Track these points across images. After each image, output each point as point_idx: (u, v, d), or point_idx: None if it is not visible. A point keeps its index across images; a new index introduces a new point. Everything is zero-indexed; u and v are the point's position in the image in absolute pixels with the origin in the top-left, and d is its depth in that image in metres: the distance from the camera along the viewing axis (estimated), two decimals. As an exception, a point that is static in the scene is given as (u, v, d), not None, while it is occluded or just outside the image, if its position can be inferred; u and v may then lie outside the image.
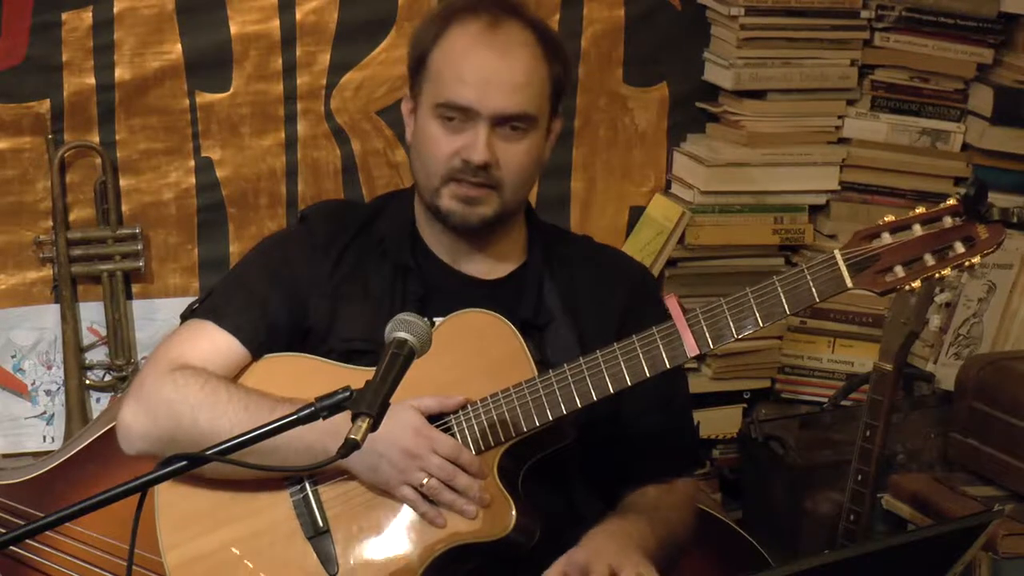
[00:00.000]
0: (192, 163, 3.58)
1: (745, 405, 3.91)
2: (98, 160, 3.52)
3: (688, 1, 3.78)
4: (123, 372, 3.57)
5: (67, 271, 3.52)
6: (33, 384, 3.58)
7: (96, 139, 3.52)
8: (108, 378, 3.59)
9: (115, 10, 3.47)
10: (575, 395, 2.50)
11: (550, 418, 2.50)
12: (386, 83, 3.63)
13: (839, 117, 3.84)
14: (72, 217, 3.55)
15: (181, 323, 2.71)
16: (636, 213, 3.85)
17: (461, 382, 2.54)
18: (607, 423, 2.63)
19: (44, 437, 3.59)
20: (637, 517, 2.59)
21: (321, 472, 2.53)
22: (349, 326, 2.64)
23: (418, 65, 2.65)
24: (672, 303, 2.49)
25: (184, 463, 2.11)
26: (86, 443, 3.12)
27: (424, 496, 2.50)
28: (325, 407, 2.15)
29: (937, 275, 2.43)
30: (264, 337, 2.64)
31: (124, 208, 3.57)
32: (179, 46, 3.52)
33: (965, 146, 3.84)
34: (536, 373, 2.52)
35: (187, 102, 3.55)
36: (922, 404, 3.65)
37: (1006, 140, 3.76)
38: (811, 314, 3.83)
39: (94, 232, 3.53)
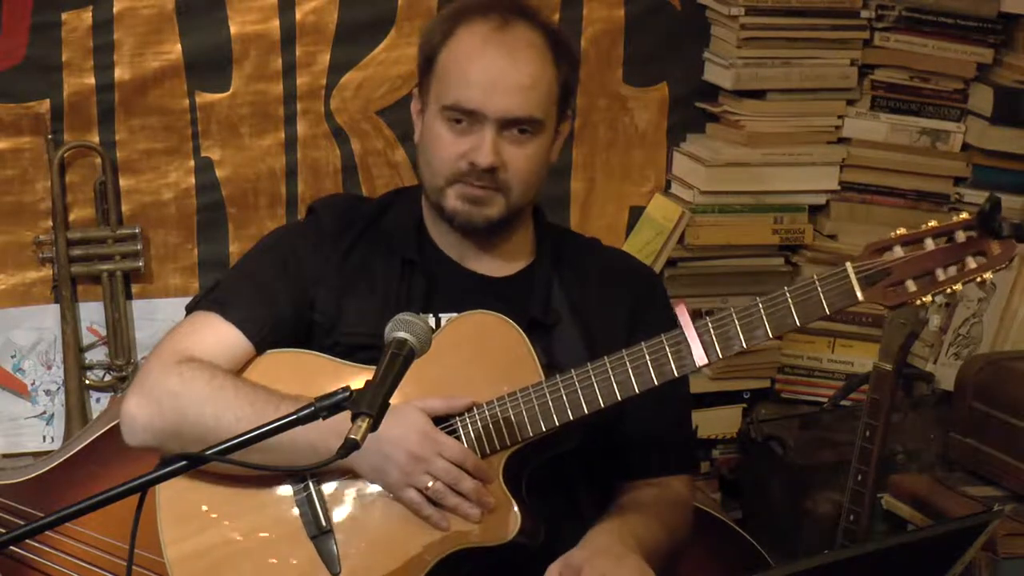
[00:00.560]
0: (192, 163, 3.58)
1: (745, 405, 3.91)
2: (98, 160, 3.52)
3: (688, 1, 3.78)
4: (123, 372, 3.57)
5: (67, 271, 3.52)
6: (33, 384, 3.58)
7: (96, 139, 3.52)
8: (108, 378, 3.59)
9: (115, 10, 3.47)
10: (582, 401, 2.49)
11: (556, 424, 2.50)
12: (386, 83, 3.63)
13: (839, 117, 3.84)
14: (72, 217, 3.55)
15: (187, 314, 2.70)
16: (636, 213, 3.85)
17: (467, 384, 2.54)
18: (610, 426, 2.63)
19: (44, 437, 3.59)
20: (633, 516, 2.58)
21: (325, 471, 2.53)
22: (355, 321, 2.63)
23: (427, 65, 2.65)
24: (682, 311, 2.48)
25: (184, 463, 2.12)
26: (86, 443, 3.12)
27: (429, 499, 2.49)
28: (324, 407, 2.15)
29: (949, 290, 2.43)
30: (269, 330, 2.63)
31: (124, 208, 3.57)
32: (179, 46, 3.52)
33: (965, 146, 3.84)
34: (543, 377, 2.52)
35: (187, 102, 3.55)
36: (922, 404, 3.65)
37: (1006, 140, 3.76)
38: (811, 314, 3.83)
39: (94, 232, 3.53)
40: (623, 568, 2.43)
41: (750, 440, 3.79)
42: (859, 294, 2.43)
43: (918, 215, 3.84)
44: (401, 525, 2.52)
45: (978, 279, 2.42)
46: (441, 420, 2.52)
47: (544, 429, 2.50)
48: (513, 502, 2.49)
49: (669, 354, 2.47)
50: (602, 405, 2.49)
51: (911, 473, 3.44)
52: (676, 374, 2.48)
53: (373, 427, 2.16)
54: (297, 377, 2.58)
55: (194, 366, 2.57)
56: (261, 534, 2.57)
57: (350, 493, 2.55)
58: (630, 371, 2.48)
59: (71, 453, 3.13)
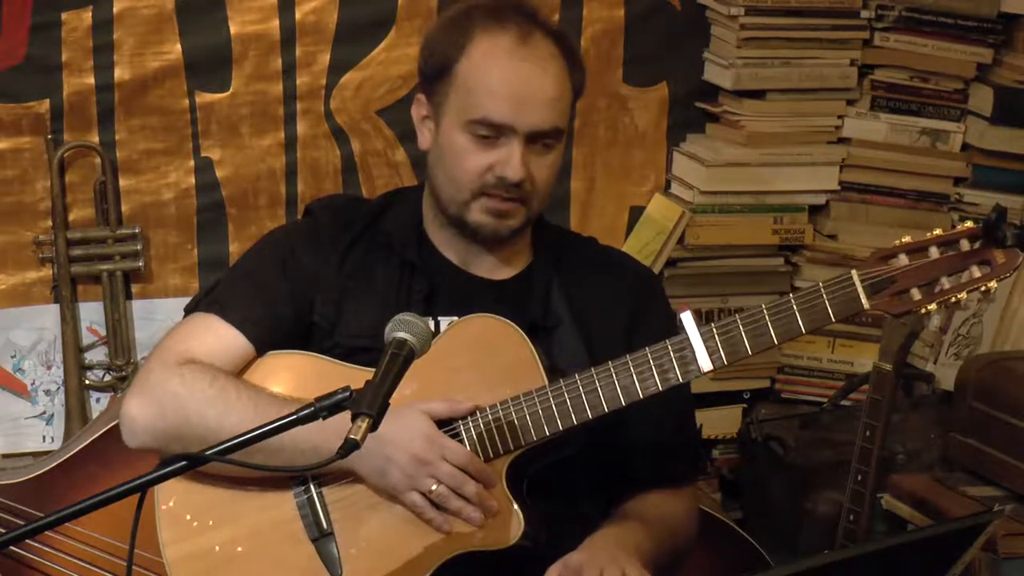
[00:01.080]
0: (192, 163, 3.58)
1: (745, 405, 3.91)
2: (98, 160, 3.52)
3: (688, 1, 3.78)
4: (123, 372, 3.57)
5: (67, 271, 3.52)
6: (33, 384, 3.58)
7: (96, 139, 3.52)
8: (108, 378, 3.59)
9: (115, 10, 3.47)
10: (586, 406, 2.49)
11: (560, 428, 2.49)
12: (386, 83, 3.63)
13: (839, 117, 3.84)
14: (72, 217, 3.55)
15: (185, 316, 2.70)
16: (636, 213, 3.85)
17: (471, 387, 2.54)
18: (612, 429, 2.62)
19: (44, 437, 3.59)
20: (635, 523, 2.58)
21: (327, 473, 2.53)
22: (354, 323, 2.63)
23: (439, 74, 2.61)
24: (688, 318, 2.48)
25: (184, 463, 2.11)
26: (86, 443, 3.12)
27: (431, 502, 2.49)
28: (324, 407, 2.15)
29: (953, 299, 2.43)
30: (269, 331, 2.62)
31: (124, 208, 3.57)
32: (179, 46, 3.52)
33: (965, 146, 3.84)
34: (546, 381, 2.52)
35: (187, 102, 3.55)
36: (922, 404, 3.66)
37: (1006, 140, 3.76)
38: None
39: (94, 232, 3.54)
40: (620, 562, 2.43)
41: (750, 440, 3.78)
42: (864, 302, 2.44)
43: (918, 215, 3.85)
44: (403, 528, 2.52)
45: (982, 288, 2.43)
46: (444, 423, 2.52)
47: (547, 433, 2.50)
48: (516, 506, 2.49)
49: (674, 360, 2.47)
50: (606, 410, 2.49)
51: (911, 473, 3.43)
52: (681, 380, 2.48)
53: (373, 427, 2.16)
54: (298, 379, 2.57)
55: (195, 368, 2.56)
56: (261, 536, 2.56)
57: (352, 495, 2.55)
58: (634, 376, 2.48)
59: (71, 453, 3.13)
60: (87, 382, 3.59)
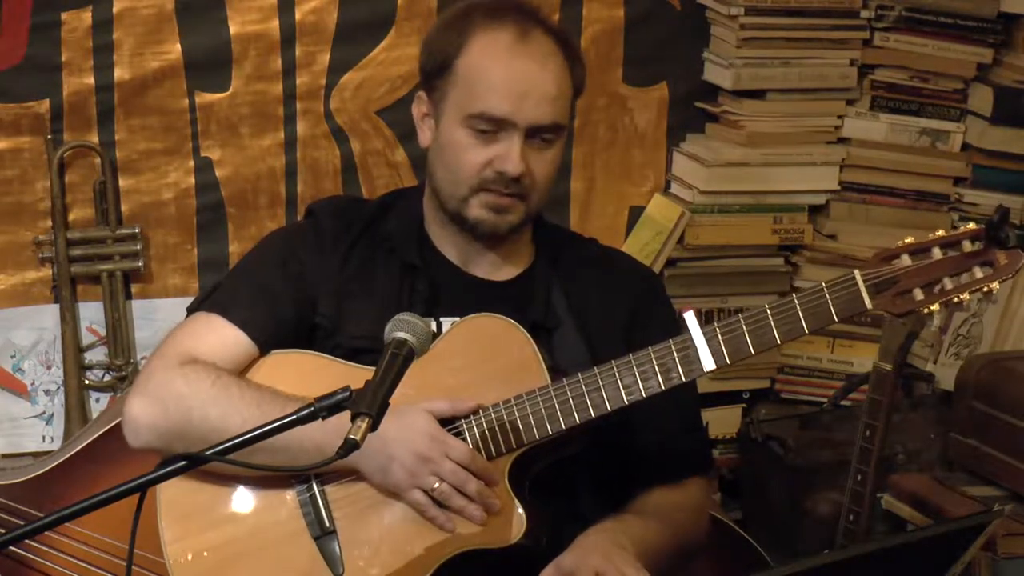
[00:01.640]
0: (191, 163, 3.58)
1: (745, 405, 3.91)
2: (97, 160, 3.52)
3: (688, 1, 3.78)
4: (122, 372, 3.57)
5: (66, 271, 3.52)
6: (32, 384, 3.58)
7: (95, 139, 3.52)
8: (107, 378, 3.59)
9: (114, 10, 3.47)
10: (589, 406, 2.49)
11: (563, 427, 2.49)
12: (386, 83, 3.63)
13: (839, 117, 3.84)
14: (71, 217, 3.55)
15: (187, 316, 2.70)
16: (636, 213, 3.85)
17: (473, 386, 2.54)
18: (616, 428, 2.62)
19: (43, 437, 3.59)
20: (633, 518, 2.57)
21: (329, 472, 2.53)
22: (356, 324, 2.63)
23: (439, 71, 2.62)
24: (691, 317, 2.48)
25: (184, 463, 2.11)
26: (86, 443, 3.12)
27: (434, 500, 2.49)
28: (324, 407, 2.15)
29: (955, 299, 2.44)
30: (272, 331, 2.62)
31: (123, 208, 3.57)
32: (178, 46, 3.52)
33: (965, 146, 3.84)
34: (549, 381, 2.52)
35: (186, 102, 3.55)
36: (922, 404, 3.65)
37: (1006, 140, 3.76)
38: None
39: (93, 232, 3.54)
40: (613, 560, 2.43)
41: (750, 440, 3.78)
42: (867, 302, 2.44)
43: (918, 215, 3.85)
44: (405, 527, 2.52)
45: (984, 289, 2.44)
46: (447, 422, 2.52)
47: (550, 433, 2.50)
48: (518, 505, 2.49)
49: (677, 359, 2.47)
50: (609, 409, 2.49)
51: (911, 473, 3.44)
52: (684, 379, 2.48)
53: (373, 427, 2.16)
54: (301, 378, 2.57)
55: (198, 367, 2.56)
56: (263, 534, 2.56)
57: (354, 494, 2.55)
58: (637, 376, 2.48)
59: (71, 453, 3.13)
60: (87, 382, 3.59)
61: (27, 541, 2.97)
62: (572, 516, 2.60)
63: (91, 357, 3.59)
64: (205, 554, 2.56)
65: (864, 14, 3.77)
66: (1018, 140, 3.75)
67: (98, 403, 3.60)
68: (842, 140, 3.86)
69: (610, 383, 2.48)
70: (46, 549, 3.05)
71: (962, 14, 3.76)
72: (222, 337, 2.61)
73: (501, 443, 2.51)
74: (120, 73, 3.50)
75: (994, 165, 3.80)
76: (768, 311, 2.46)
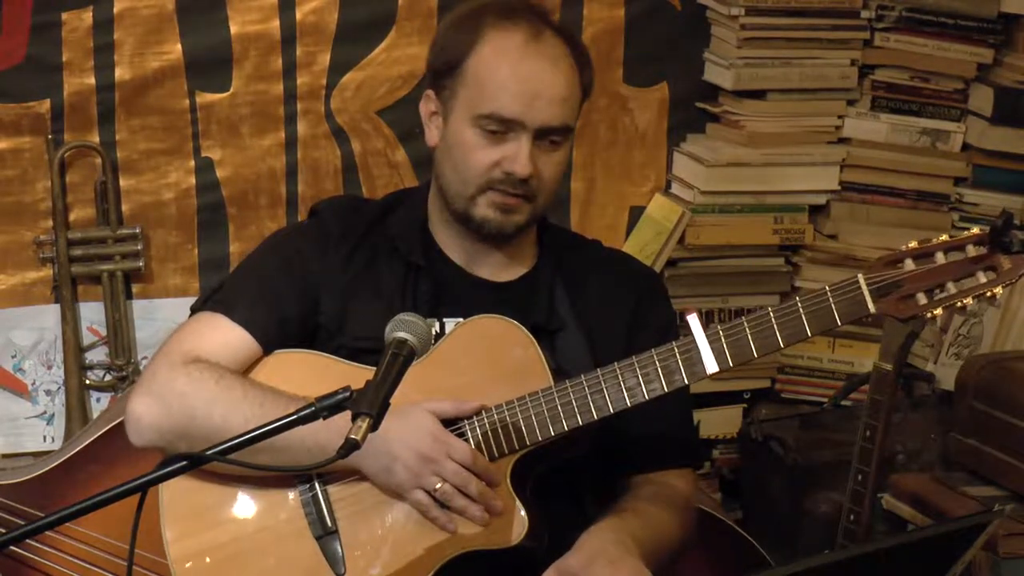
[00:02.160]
0: (192, 163, 3.58)
1: (745, 405, 3.91)
2: (98, 160, 3.52)
3: (688, 1, 3.78)
4: (123, 372, 3.57)
5: (67, 271, 3.52)
6: (33, 384, 3.58)
7: (96, 139, 3.52)
8: (108, 378, 3.59)
9: (115, 10, 3.47)
10: (592, 407, 2.49)
11: (565, 428, 2.50)
12: (386, 83, 3.63)
13: (839, 117, 3.84)
14: (72, 217, 3.55)
15: (191, 315, 2.70)
16: (636, 213, 3.85)
17: (476, 387, 2.54)
18: (616, 430, 2.62)
19: (44, 437, 3.59)
20: (632, 516, 2.57)
21: (331, 472, 2.53)
22: (359, 325, 2.63)
23: (450, 70, 2.61)
24: (693, 319, 2.48)
25: (184, 463, 2.11)
26: (86, 443, 3.12)
27: (436, 501, 2.49)
28: (325, 407, 2.15)
29: (959, 304, 2.44)
30: (275, 331, 2.62)
31: (124, 208, 3.57)
32: (179, 46, 3.52)
33: (965, 146, 3.84)
34: (552, 382, 2.52)
35: (187, 102, 3.55)
36: (922, 404, 3.65)
37: (1006, 140, 3.76)
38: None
39: (94, 232, 3.54)
40: (620, 572, 2.43)
41: (750, 440, 3.78)
42: (871, 306, 2.45)
43: (918, 215, 3.85)
44: (407, 527, 2.52)
45: (988, 294, 2.44)
46: (450, 423, 2.52)
47: (552, 434, 2.50)
48: (520, 506, 2.49)
49: (680, 361, 2.47)
50: (611, 411, 2.49)
51: (911, 473, 3.44)
52: (686, 381, 2.48)
53: (373, 427, 2.16)
54: (304, 378, 2.57)
55: (202, 367, 2.56)
56: (265, 534, 2.56)
57: (356, 494, 2.55)
58: (640, 378, 2.48)
59: (71, 453, 3.13)
60: (87, 382, 3.59)
61: (28, 541, 2.97)
62: (574, 517, 2.60)
63: (92, 357, 3.59)
64: (207, 553, 2.56)
65: (864, 14, 3.77)
66: (1018, 140, 3.75)
67: (99, 403, 3.60)
68: (842, 140, 3.86)
69: (613, 385, 2.48)
70: (47, 549, 3.05)
71: (962, 14, 3.76)
72: (225, 336, 2.61)
73: (503, 444, 2.51)
74: (121, 73, 3.50)
75: (994, 165, 3.80)
76: (771, 314, 2.46)
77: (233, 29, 3.55)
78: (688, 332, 2.48)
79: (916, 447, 3.52)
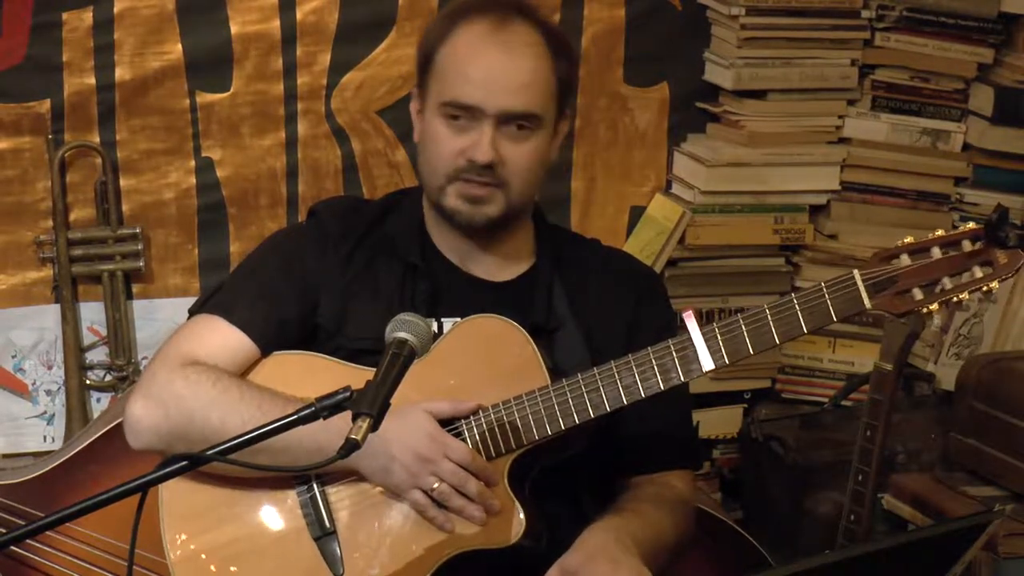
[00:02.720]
0: (192, 163, 3.58)
1: (745, 405, 3.91)
2: (98, 160, 3.52)
3: (688, 1, 3.78)
4: (123, 372, 3.57)
5: (67, 271, 3.52)
6: (33, 384, 3.58)
7: (96, 139, 3.52)
8: (108, 378, 3.59)
9: (115, 10, 3.47)
10: (588, 406, 2.49)
11: (562, 427, 2.50)
12: (387, 83, 3.63)
13: (840, 117, 3.84)
14: (72, 217, 3.55)
15: (189, 317, 2.70)
16: (636, 213, 3.85)
17: (473, 387, 2.54)
18: (614, 428, 2.63)
19: (44, 437, 3.59)
20: (632, 516, 2.58)
21: (330, 473, 2.53)
22: (358, 325, 2.63)
23: (425, 63, 2.65)
24: (689, 317, 2.49)
25: (184, 464, 2.11)
26: (87, 443, 3.12)
27: (434, 501, 2.49)
28: (325, 407, 2.15)
29: (955, 299, 2.44)
30: (274, 333, 2.63)
31: (124, 208, 3.57)
32: (179, 46, 3.52)
33: (966, 146, 3.84)
34: (549, 381, 2.52)
35: (187, 102, 3.55)
36: (922, 404, 3.66)
37: (1007, 140, 3.76)
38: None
39: (94, 232, 3.54)
40: (620, 571, 2.43)
41: (751, 440, 3.78)
42: (867, 301, 2.44)
43: (919, 215, 3.85)
44: (405, 527, 2.52)
45: (984, 288, 2.44)
46: (447, 423, 2.52)
47: (549, 433, 2.50)
48: (517, 505, 2.49)
49: (676, 360, 2.47)
50: (608, 410, 2.49)
51: (912, 473, 3.44)
52: (683, 379, 2.48)
53: (373, 427, 2.16)
54: (304, 379, 2.57)
55: (199, 369, 2.57)
56: (264, 535, 2.57)
57: (354, 495, 2.55)
58: (636, 376, 2.48)
59: (72, 453, 3.13)
60: (88, 382, 3.59)
61: (28, 541, 2.97)
62: (573, 517, 2.61)
63: (92, 357, 3.59)
64: (206, 555, 2.56)
65: (865, 14, 3.77)
66: (1019, 140, 3.75)
67: (99, 403, 3.60)
68: (843, 140, 3.86)
69: (609, 384, 2.49)
70: (47, 549, 3.05)
71: (963, 14, 3.76)
72: (224, 339, 2.61)
73: (501, 444, 2.51)
74: (121, 73, 3.50)
75: (995, 165, 3.80)
76: (767, 311, 2.46)
77: (233, 29, 3.55)
78: (685, 331, 2.48)
79: (916, 447, 3.52)
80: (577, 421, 2.49)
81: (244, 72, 3.57)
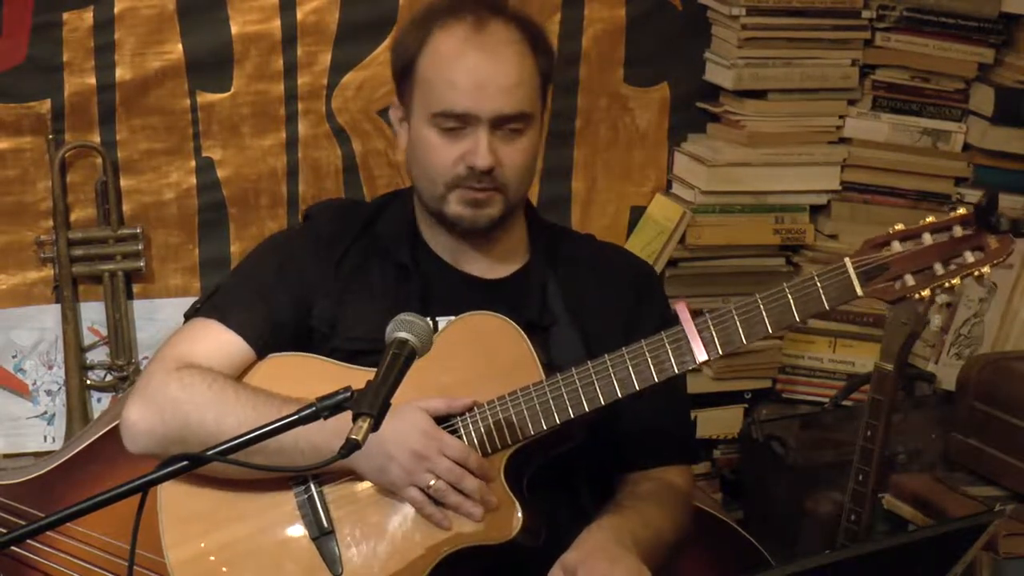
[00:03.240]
0: (193, 163, 3.58)
1: (746, 405, 3.91)
2: (99, 160, 3.52)
3: (689, 1, 3.78)
4: (124, 372, 3.57)
5: (68, 271, 3.52)
6: (34, 384, 3.58)
7: (97, 139, 3.52)
8: (109, 378, 3.59)
9: (116, 10, 3.47)
10: (582, 399, 2.49)
11: (557, 422, 2.50)
12: (387, 83, 3.60)
13: (840, 117, 3.84)
14: (73, 217, 3.55)
15: (185, 322, 2.70)
16: (637, 213, 3.85)
17: (468, 384, 2.54)
18: (611, 422, 2.63)
19: (45, 437, 3.59)
20: (631, 514, 2.58)
21: (327, 473, 2.53)
22: (353, 327, 2.63)
23: (405, 74, 2.64)
24: (682, 309, 2.48)
25: (185, 463, 2.11)
26: (87, 443, 3.12)
27: (431, 498, 2.49)
28: (326, 407, 2.15)
29: (947, 284, 2.44)
30: (269, 336, 2.63)
31: (125, 208, 3.57)
32: (180, 46, 3.52)
33: (966, 146, 3.84)
34: (543, 377, 2.52)
35: (188, 102, 3.55)
36: (923, 404, 3.65)
37: (1007, 140, 3.76)
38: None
39: (95, 232, 3.54)
40: (618, 569, 2.43)
41: (751, 440, 3.78)
42: (858, 289, 2.44)
43: (919, 215, 3.77)
44: (403, 525, 2.52)
45: (976, 273, 2.44)
46: (443, 420, 2.52)
47: (544, 428, 2.50)
48: (515, 501, 2.49)
49: (669, 351, 2.47)
50: (602, 403, 2.49)
51: (912, 473, 3.43)
52: (676, 371, 2.48)
53: (374, 427, 2.16)
54: (300, 380, 2.58)
55: (194, 372, 2.57)
56: (263, 536, 2.57)
57: (352, 494, 2.55)
58: (630, 368, 2.48)
59: (72, 453, 3.13)
60: (88, 382, 3.59)
61: (28, 541, 2.97)
62: (572, 513, 2.61)
63: (92, 357, 3.59)
64: (206, 558, 2.57)
65: (865, 14, 3.77)
66: (1019, 140, 3.75)
67: (99, 403, 3.60)
68: (843, 140, 3.85)
69: (603, 377, 2.49)
70: (47, 549, 3.05)
71: (963, 14, 3.76)
72: (219, 342, 2.62)
73: (497, 440, 2.51)
74: (121, 73, 3.50)
75: (995, 165, 3.80)
76: (759, 301, 2.46)
77: (234, 29, 3.55)
78: (678, 322, 2.48)
79: (917, 447, 3.52)
80: (572, 415, 2.50)
81: (244, 72, 3.57)
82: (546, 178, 3.74)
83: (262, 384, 2.59)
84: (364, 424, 2.15)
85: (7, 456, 3.55)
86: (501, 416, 2.51)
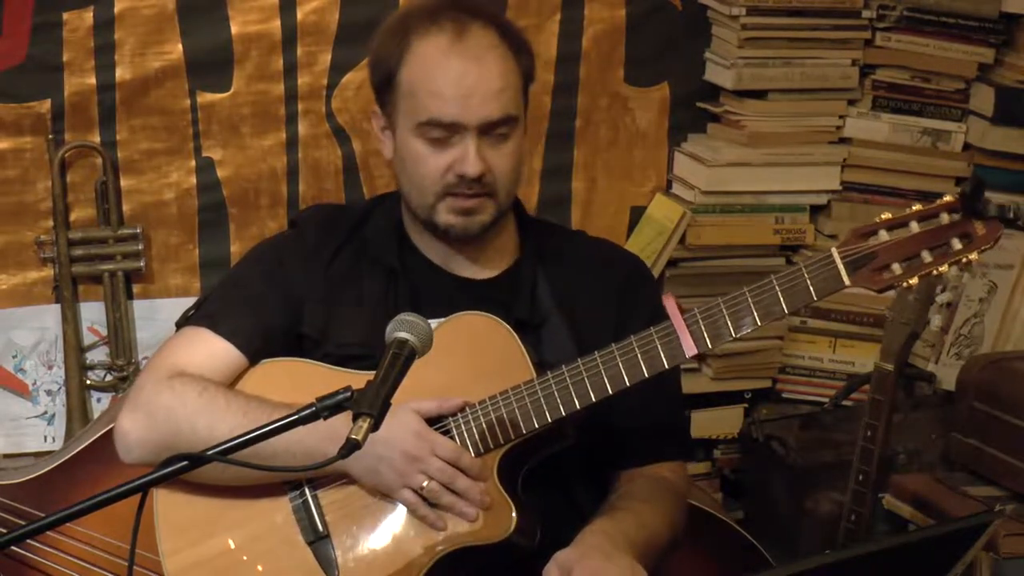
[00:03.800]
0: (193, 163, 3.58)
1: (746, 405, 3.91)
2: (99, 160, 3.52)
3: (689, 1, 3.78)
4: (124, 372, 3.57)
5: (68, 271, 3.52)
6: (34, 384, 3.58)
7: (97, 139, 3.52)
8: (109, 378, 3.59)
9: (116, 10, 3.47)
10: (573, 397, 2.50)
11: (549, 420, 2.50)
12: (387, 83, 3.63)
13: (840, 117, 3.84)
14: (73, 217, 3.55)
15: (177, 330, 2.71)
16: (637, 213, 3.85)
17: (459, 385, 2.54)
18: (604, 419, 2.63)
19: (45, 437, 3.59)
20: (626, 515, 2.57)
21: (320, 477, 2.53)
22: (344, 332, 2.64)
23: (386, 83, 2.63)
24: (670, 303, 2.49)
25: (185, 463, 2.12)
26: (87, 443, 3.12)
27: (424, 499, 2.50)
28: (326, 407, 2.15)
29: (935, 272, 2.43)
30: (260, 342, 2.64)
31: (125, 208, 3.57)
32: (180, 46, 3.52)
33: (966, 146, 3.84)
34: (534, 375, 2.52)
35: (188, 102, 3.55)
36: (923, 404, 3.65)
37: (1007, 140, 3.76)
38: (812, 314, 3.83)
39: (95, 232, 3.54)
40: (613, 565, 2.43)
41: (751, 440, 3.79)
42: (846, 279, 2.44)
43: (919, 215, 3.84)
44: (397, 527, 2.53)
45: (963, 260, 2.43)
46: (434, 421, 2.53)
47: (536, 426, 2.51)
48: (509, 500, 2.50)
49: (659, 346, 2.48)
50: (593, 399, 2.50)
51: (912, 473, 3.44)
52: (666, 365, 2.48)
53: (374, 427, 2.16)
54: (292, 386, 2.58)
55: (186, 380, 2.58)
56: (259, 542, 2.57)
57: (346, 497, 2.56)
58: (620, 365, 2.48)
59: (72, 453, 3.13)
60: (88, 382, 3.59)
61: (28, 541, 2.97)
62: (567, 512, 2.61)
63: (92, 357, 3.59)
64: (203, 564, 2.57)
65: (866, 14, 3.77)
66: (1019, 140, 3.75)
67: (99, 403, 3.60)
68: (843, 140, 3.85)
69: (594, 373, 2.49)
70: (47, 549, 3.06)
71: (964, 14, 3.76)
72: (211, 350, 2.62)
73: (489, 439, 2.51)
74: (121, 73, 3.50)
75: (995, 165, 3.80)
76: (747, 294, 2.46)
77: (234, 29, 3.55)
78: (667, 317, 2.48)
79: (917, 447, 3.52)
80: (564, 413, 2.50)
81: (245, 72, 3.57)
82: (546, 178, 3.74)
83: (255, 390, 2.59)
84: (364, 424, 2.15)
85: (7, 456, 3.55)
86: (493, 416, 2.51)
